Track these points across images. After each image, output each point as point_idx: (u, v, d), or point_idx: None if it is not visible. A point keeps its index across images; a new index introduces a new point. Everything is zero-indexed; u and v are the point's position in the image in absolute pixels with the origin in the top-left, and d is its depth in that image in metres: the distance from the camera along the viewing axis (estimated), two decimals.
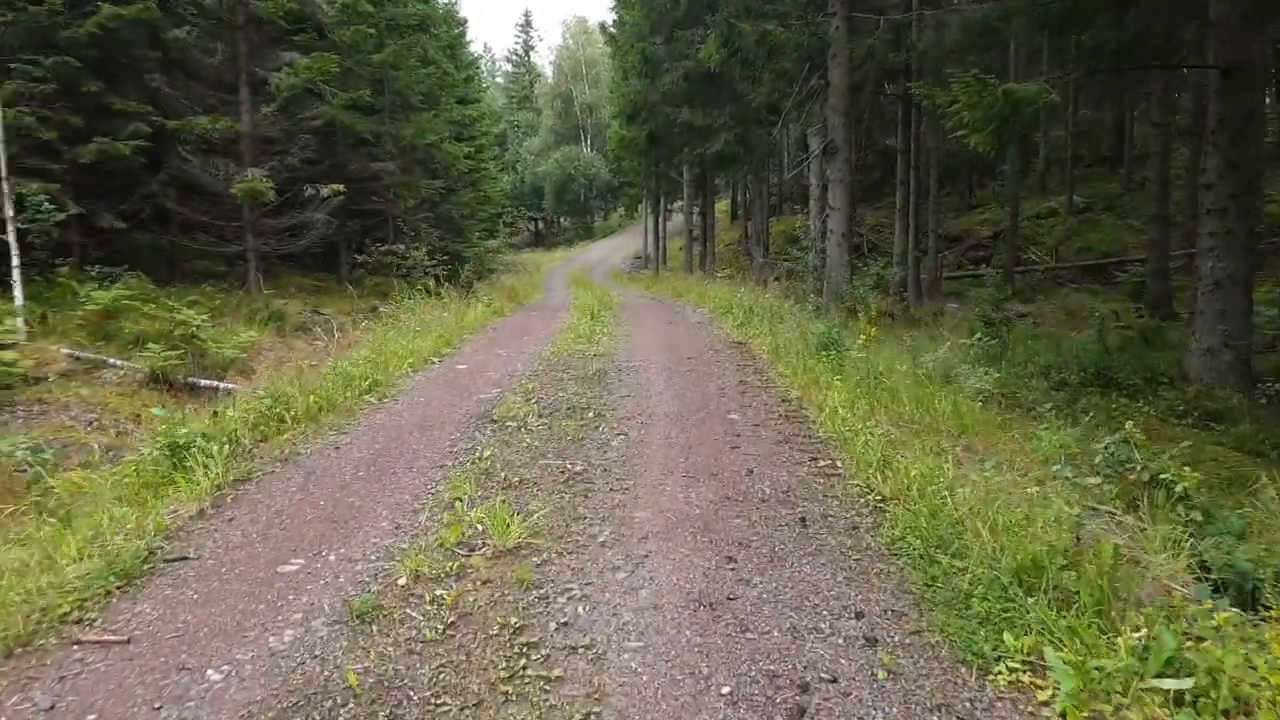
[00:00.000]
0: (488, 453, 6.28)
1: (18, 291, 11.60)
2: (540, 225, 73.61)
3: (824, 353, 9.63)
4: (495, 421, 7.27)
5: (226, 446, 6.39)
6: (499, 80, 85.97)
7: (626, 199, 62.03)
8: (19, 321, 11.40)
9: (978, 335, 11.90)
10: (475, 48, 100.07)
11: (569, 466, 5.96)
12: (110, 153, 13.75)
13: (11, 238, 11.51)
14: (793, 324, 12.30)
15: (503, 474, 5.80)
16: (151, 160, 14.78)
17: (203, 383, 11.48)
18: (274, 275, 18.88)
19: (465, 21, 34.41)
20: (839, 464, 5.96)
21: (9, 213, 11.51)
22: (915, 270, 21.66)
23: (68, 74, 13.40)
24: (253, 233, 15.46)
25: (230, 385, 11.50)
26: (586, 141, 70.09)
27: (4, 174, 11.47)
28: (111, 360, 11.34)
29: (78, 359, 11.23)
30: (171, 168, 14.66)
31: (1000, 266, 27.40)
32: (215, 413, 7.01)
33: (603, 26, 39.79)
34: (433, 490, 5.52)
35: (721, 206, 47.78)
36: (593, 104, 68.16)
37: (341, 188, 15.12)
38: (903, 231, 23.44)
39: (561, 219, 71.49)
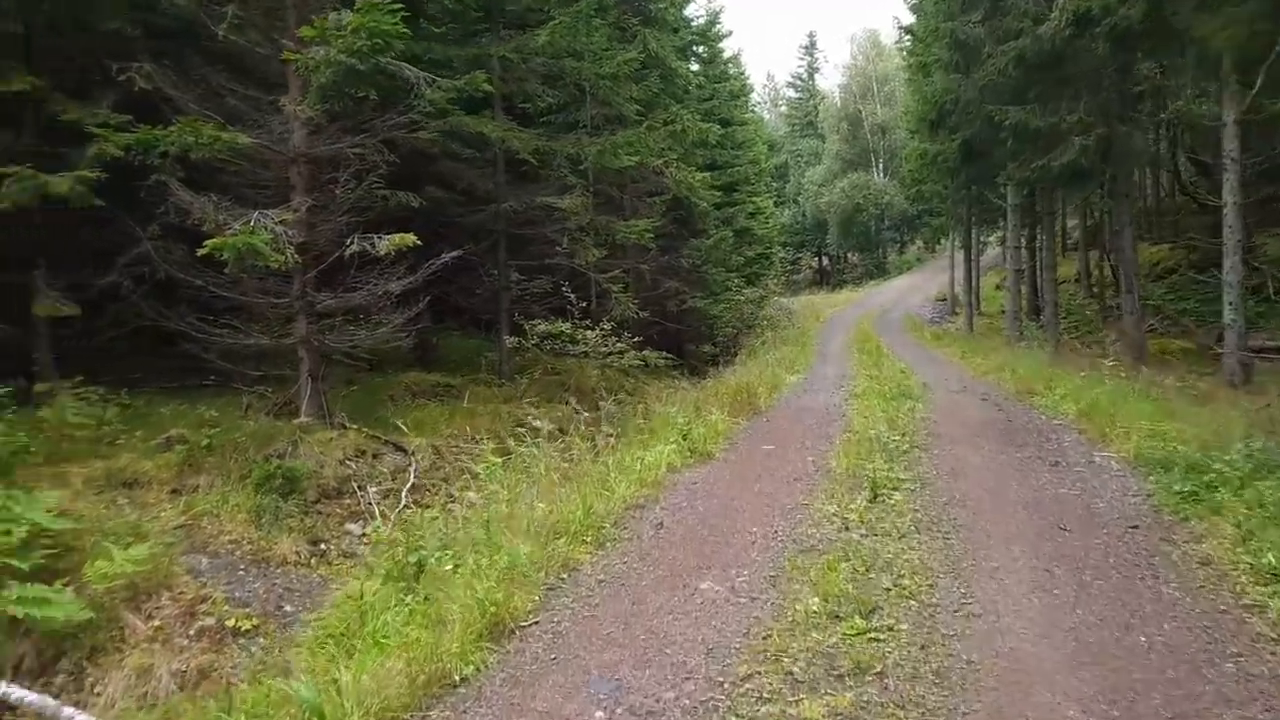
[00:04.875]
0: None
1: None
2: (824, 262, 65.46)
3: None
4: None
5: None
6: (781, 109, 79.43)
7: (927, 230, 52.39)
8: None
9: None
10: (757, 77, 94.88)
11: None
12: (46, 192, 8.13)
13: None
14: None
15: None
16: (139, 203, 9.09)
17: None
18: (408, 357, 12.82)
19: (720, 22, 27.63)
20: None
21: None
22: None
23: None
24: (305, 315, 9.28)
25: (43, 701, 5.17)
26: (877, 167, 61.20)
27: None
28: None
29: None
30: (167, 215, 8.83)
31: None
32: None
33: (896, 21, 31.99)
34: None
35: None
36: (885, 124, 59.18)
37: (411, 239, 8.50)
38: None
39: (848, 254, 62.89)
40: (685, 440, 9.10)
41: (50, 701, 5.31)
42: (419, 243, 8.68)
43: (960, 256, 33.55)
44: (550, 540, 6.02)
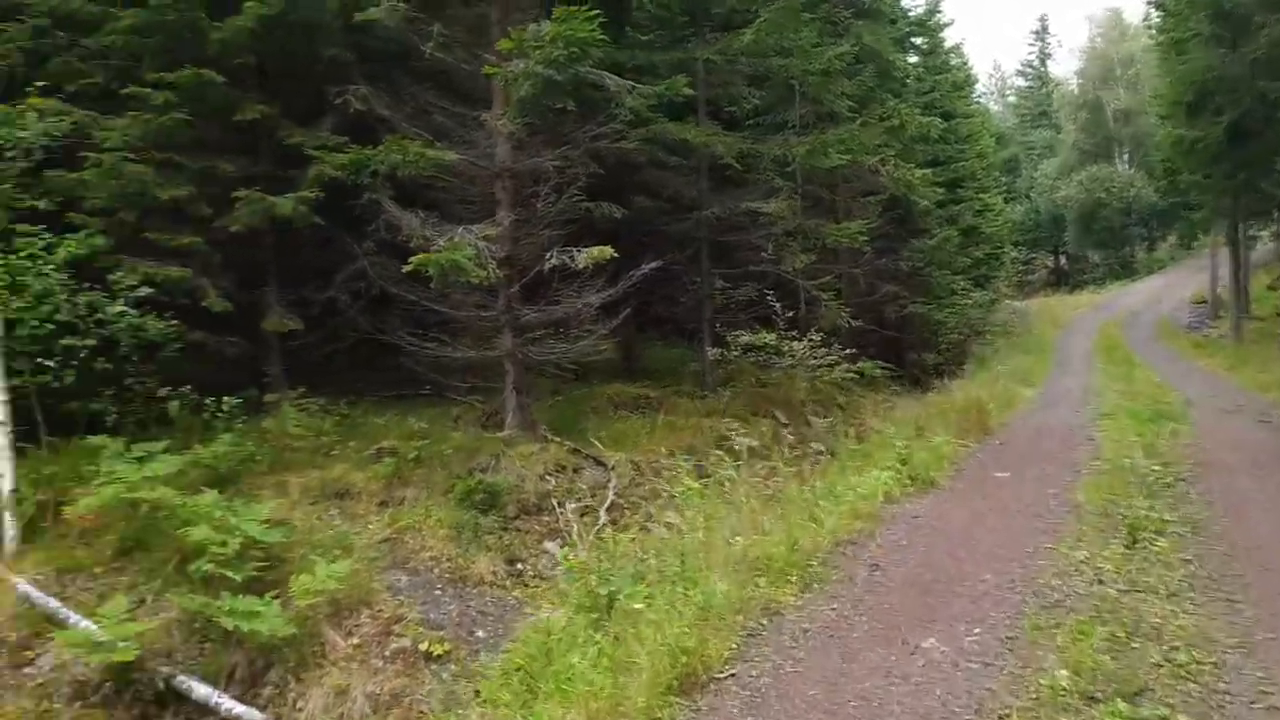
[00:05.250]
0: None
1: (3, 464, 6.58)
2: (1061, 262, 60.39)
3: None
4: None
5: None
6: (1010, 99, 74.39)
7: (1182, 224, 46.95)
8: (8, 529, 6.44)
9: None
10: (982, 66, 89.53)
11: None
12: (273, 213, 8.60)
13: None
14: None
15: None
16: (355, 222, 9.44)
17: (200, 692, 5.45)
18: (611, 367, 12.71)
19: (941, 10, 25.94)
20: None
21: None
22: None
23: (209, 96, 8.49)
24: (510, 328, 9.29)
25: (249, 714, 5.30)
26: (1121, 157, 55.75)
27: None
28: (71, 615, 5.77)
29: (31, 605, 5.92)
30: (379, 232, 9.11)
31: None
32: None
33: None
34: None
35: None
36: (1129, 110, 53.74)
37: (609, 252, 8.22)
38: None
39: (1088, 253, 57.63)
40: (905, 465, 8.26)
41: (256, 715, 5.42)
42: (616, 255, 8.43)
43: (1224, 253, 29.67)
44: (750, 578, 5.50)
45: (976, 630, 4.76)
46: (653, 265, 9.74)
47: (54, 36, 8.36)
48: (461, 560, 7.06)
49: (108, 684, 5.42)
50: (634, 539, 7.04)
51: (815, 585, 5.60)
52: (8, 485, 6.64)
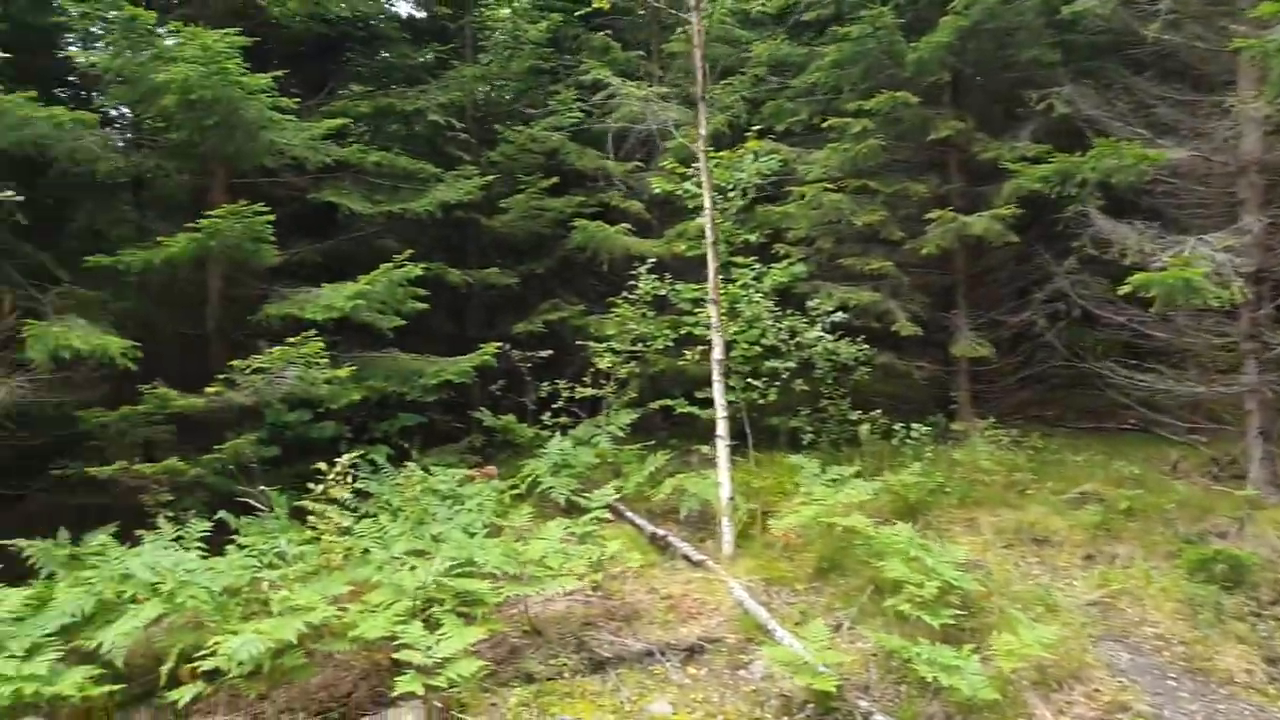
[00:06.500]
0: None
1: (723, 473, 7.24)
2: None
3: None
4: None
5: None
6: None
7: None
8: (725, 532, 7.12)
9: None
10: None
11: None
12: (963, 233, 8.23)
13: (717, 389, 7.22)
14: None
15: None
16: (1055, 237, 8.54)
17: None
18: None
19: None
20: None
21: (717, 354, 7.24)
22: None
23: (904, 118, 8.47)
24: (1255, 358, 7.45)
25: None
26: None
27: (712, 291, 7.24)
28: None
29: (744, 610, 6.42)
30: (1084, 247, 8.05)
31: None
32: None
33: None
34: None
35: None
36: None
37: None
38: None
39: None
40: None
41: None
42: None
43: None
44: None
45: None
46: None
47: (767, 82, 9.18)
48: (1200, 646, 5.67)
49: (810, 705, 5.42)
50: None
51: None
52: (726, 493, 7.27)
